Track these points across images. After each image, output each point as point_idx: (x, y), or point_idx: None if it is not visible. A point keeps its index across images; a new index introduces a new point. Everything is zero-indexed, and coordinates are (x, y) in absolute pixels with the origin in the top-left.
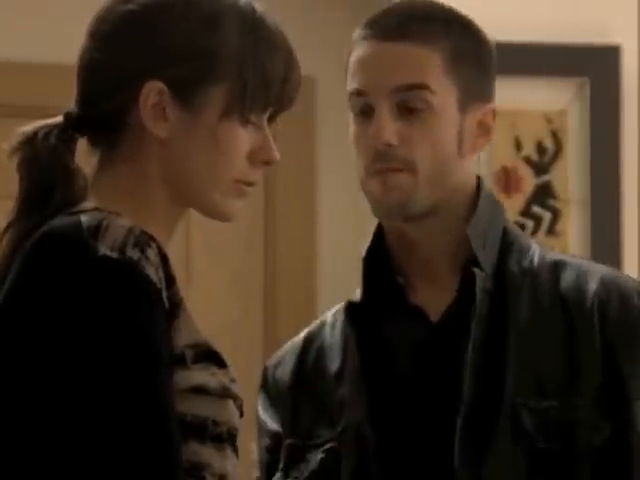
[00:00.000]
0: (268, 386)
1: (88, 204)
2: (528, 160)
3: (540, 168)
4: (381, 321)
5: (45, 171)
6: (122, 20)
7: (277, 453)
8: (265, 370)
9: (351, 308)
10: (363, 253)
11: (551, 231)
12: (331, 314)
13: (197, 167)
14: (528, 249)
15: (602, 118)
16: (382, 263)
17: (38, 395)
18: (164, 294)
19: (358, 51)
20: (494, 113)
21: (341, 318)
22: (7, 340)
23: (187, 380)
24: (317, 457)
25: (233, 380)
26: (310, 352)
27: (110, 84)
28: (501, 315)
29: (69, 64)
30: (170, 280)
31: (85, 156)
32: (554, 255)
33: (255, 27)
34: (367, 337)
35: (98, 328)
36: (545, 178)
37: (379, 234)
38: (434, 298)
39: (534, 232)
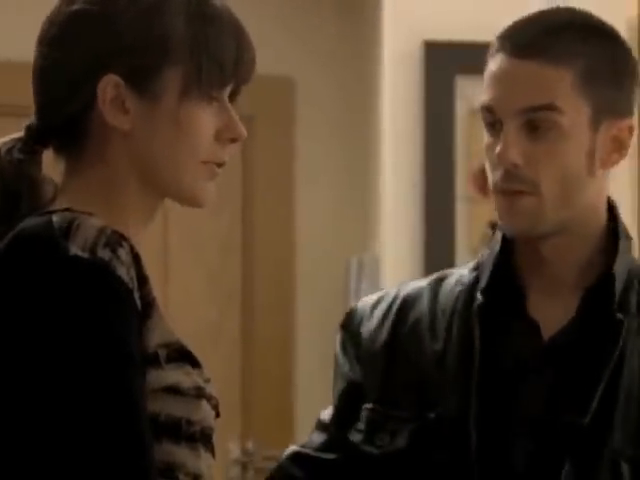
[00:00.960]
0: (354, 332)
1: (59, 205)
2: None
3: None
4: (495, 325)
5: (9, 186)
6: (68, 21)
7: (354, 403)
8: (353, 312)
9: (478, 306)
10: (485, 257)
11: None
12: (427, 283)
13: (164, 153)
14: None
15: None
16: (506, 270)
17: (7, 396)
18: (136, 294)
19: (491, 64)
20: (631, 129)
21: (447, 296)
22: None
23: (161, 380)
24: (404, 434)
25: (207, 380)
26: (408, 318)
27: (66, 87)
28: (620, 356)
29: None
30: (142, 280)
31: (54, 164)
32: None
33: (200, 6)
34: (484, 335)
35: (68, 329)
36: None
37: (506, 242)
38: (552, 314)
39: None
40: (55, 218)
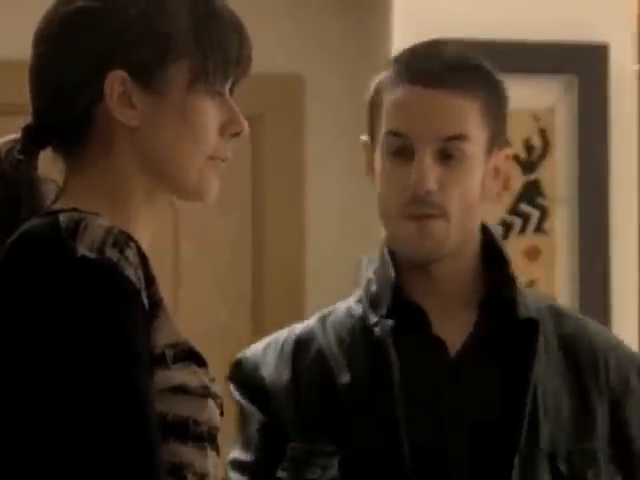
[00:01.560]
0: (254, 378)
1: (63, 205)
2: (516, 158)
3: (528, 166)
4: (405, 347)
5: (11, 189)
6: (69, 19)
7: (274, 442)
8: (242, 361)
9: (390, 329)
10: (372, 274)
11: (539, 229)
12: (315, 322)
13: (171, 148)
14: (524, 292)
15: (590, 116)
16: (404, 294)
17: (16, 396)
18: (143, 294)
19: (398, 93)
20: (509, 158)
21: (340, 330)
22: None
23: (168, 380)
24: (334, 466)
25: (213, 379)
26: (306, 357)
27: (70, 86)
28: (527, 361)
29: None
30: (149, 280)
31: (51, 165)
32: (544, 300)
33: (203, 2)
34: (384, 356)
35: (77, 329)
36: (533, 176)
37: (394, 262)
38: (453, 331)
39: (522, 230)
40: (62, 218)
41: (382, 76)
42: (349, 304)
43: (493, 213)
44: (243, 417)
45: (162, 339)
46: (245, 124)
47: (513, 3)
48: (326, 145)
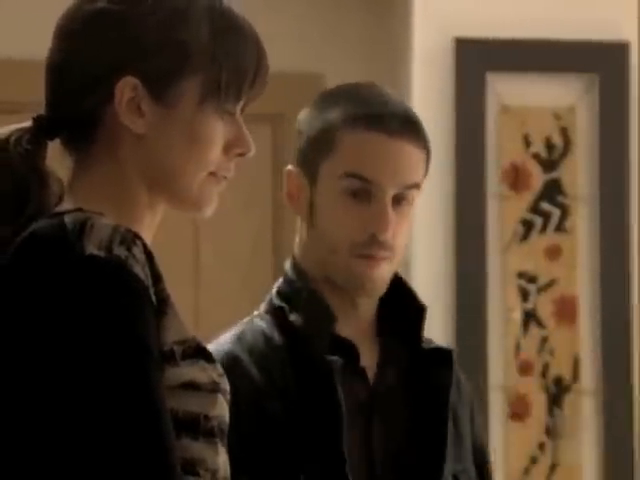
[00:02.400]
0: None
1: (69, 205)
2: (537, 157)
3: (549, 165)
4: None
5: (18, 177)
6: (91, 18)
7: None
8: None
9: (336, 366)
10: (278, 292)
11: (560, 228)
12: (230, 345)
13: (175, 162)
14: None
15: (611, 115)
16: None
17: (29, 395)
18: (151, 291)
19: (360, 137)
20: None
21: (262, 357)
22: None
23: (177, 376)
24: None
25: (221, 375)
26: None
27: (83, 83)
28: (444, 390)
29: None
30: (156, 277)
31: (59, 160)
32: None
33: (224, 17)
34: (330, 391)
35: (88, 327)
36: (554, 175)
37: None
38: (369, 359)
39: (543, 229)
40: (67, 219)
41: (325, 112)
42: (261, 326)
43: (514, 212)
44: None
45: (171, 336)
46: (251, 146)
47: (534, 2)
48: None
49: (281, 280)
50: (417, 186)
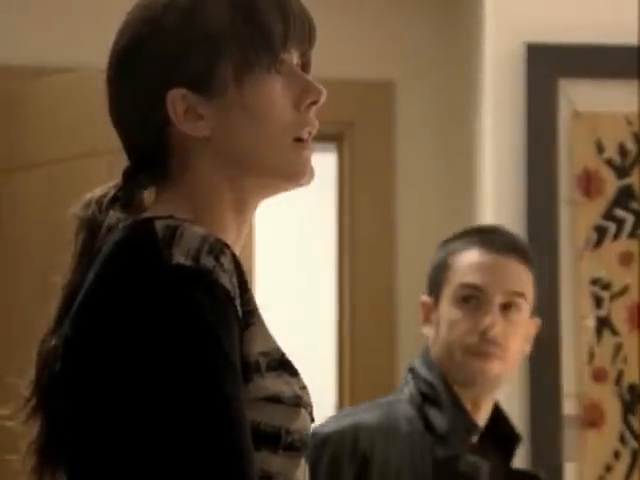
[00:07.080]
0: (356, 452)
1: (161, 211)
2: (610, 162)
3: (622, 170)
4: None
5: (96, 234)
6: (123, 53)
7: None
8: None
9: (485, 468)
10: (420, 392)
11: (633, 234)
12: (378, 422)
13: (250, 142)
14: None
15: None
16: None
17: (107, 402)
18: (237, 302)
19: (474, 255)
20: (536, 327)
21: (403, 441)
22: (82, 348)
23: (262, 389)
24: None
25: (303, 387)
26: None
27: (138, 121)
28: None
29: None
30: (244, 287)
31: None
32: None
33: None
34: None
35: (172, 337)
36: (627, 181)
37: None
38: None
39: (616, 236)
40: (158, 226)
41: (446, 244)
42: (408, 412)
43: (588, 218)
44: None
45: (256, 347)
46: (321, 89)
47: (606, 7)
48: (417, 151)
49: (415, 377)
50: (523, 295)
